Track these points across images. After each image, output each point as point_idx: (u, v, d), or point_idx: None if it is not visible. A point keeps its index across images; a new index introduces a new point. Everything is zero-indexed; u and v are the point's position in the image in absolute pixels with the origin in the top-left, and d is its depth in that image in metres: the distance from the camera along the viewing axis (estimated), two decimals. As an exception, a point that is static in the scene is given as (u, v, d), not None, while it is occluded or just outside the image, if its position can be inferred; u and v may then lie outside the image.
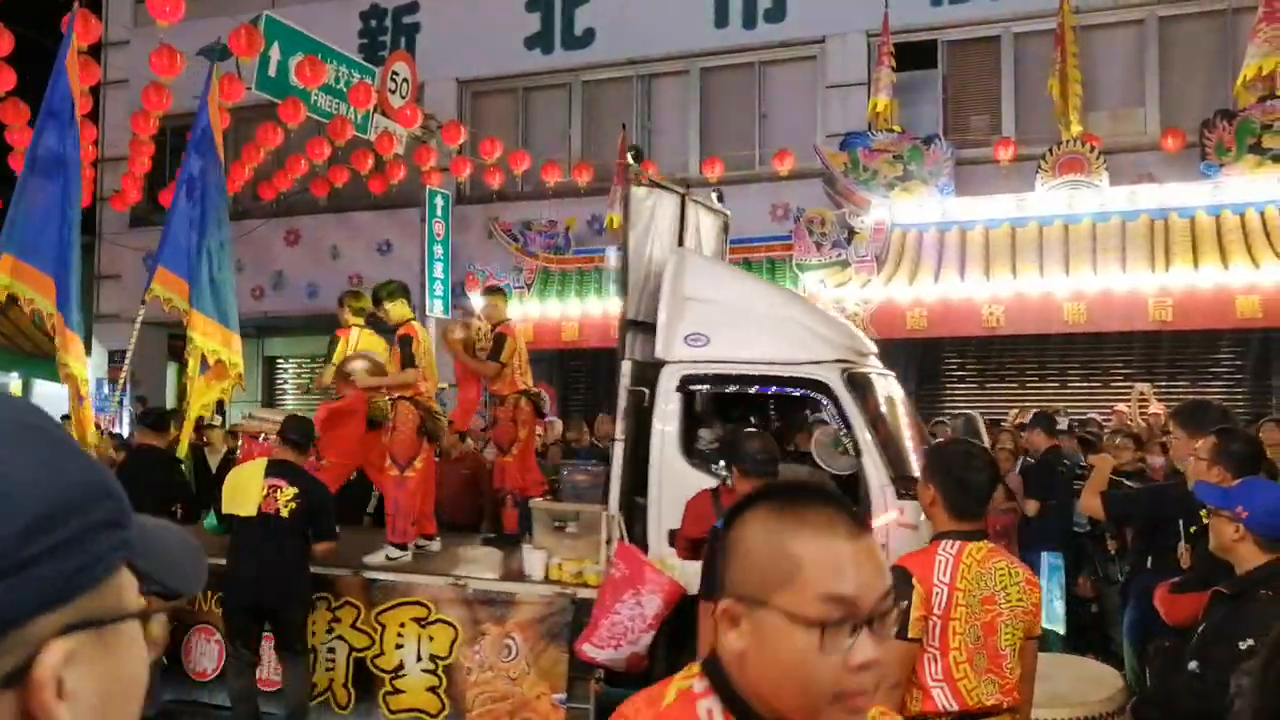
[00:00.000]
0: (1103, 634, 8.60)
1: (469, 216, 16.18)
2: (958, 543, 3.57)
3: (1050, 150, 13.10)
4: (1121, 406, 11.60)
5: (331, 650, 7.20)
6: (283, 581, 6.51)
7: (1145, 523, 6.00)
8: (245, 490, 6.67)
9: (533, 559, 7.02)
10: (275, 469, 6.70)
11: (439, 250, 15.73)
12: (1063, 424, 10.25)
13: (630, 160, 7.62)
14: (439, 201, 15.76)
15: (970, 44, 14.77)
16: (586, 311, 14.61)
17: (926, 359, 14.80)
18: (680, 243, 7.96)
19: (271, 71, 12.81)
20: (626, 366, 6.90)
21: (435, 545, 8.20)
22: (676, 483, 6.51)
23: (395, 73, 14.55)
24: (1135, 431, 9.42)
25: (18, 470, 0.76)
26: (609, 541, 6.57)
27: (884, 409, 6.70)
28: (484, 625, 6.83)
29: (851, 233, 13.58)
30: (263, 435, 8.84)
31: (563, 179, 14.97)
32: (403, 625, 7.05)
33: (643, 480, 6.71)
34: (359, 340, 8.47)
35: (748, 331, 6.86)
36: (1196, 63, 13.90)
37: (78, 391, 7.97)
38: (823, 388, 6.60)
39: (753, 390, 7.03)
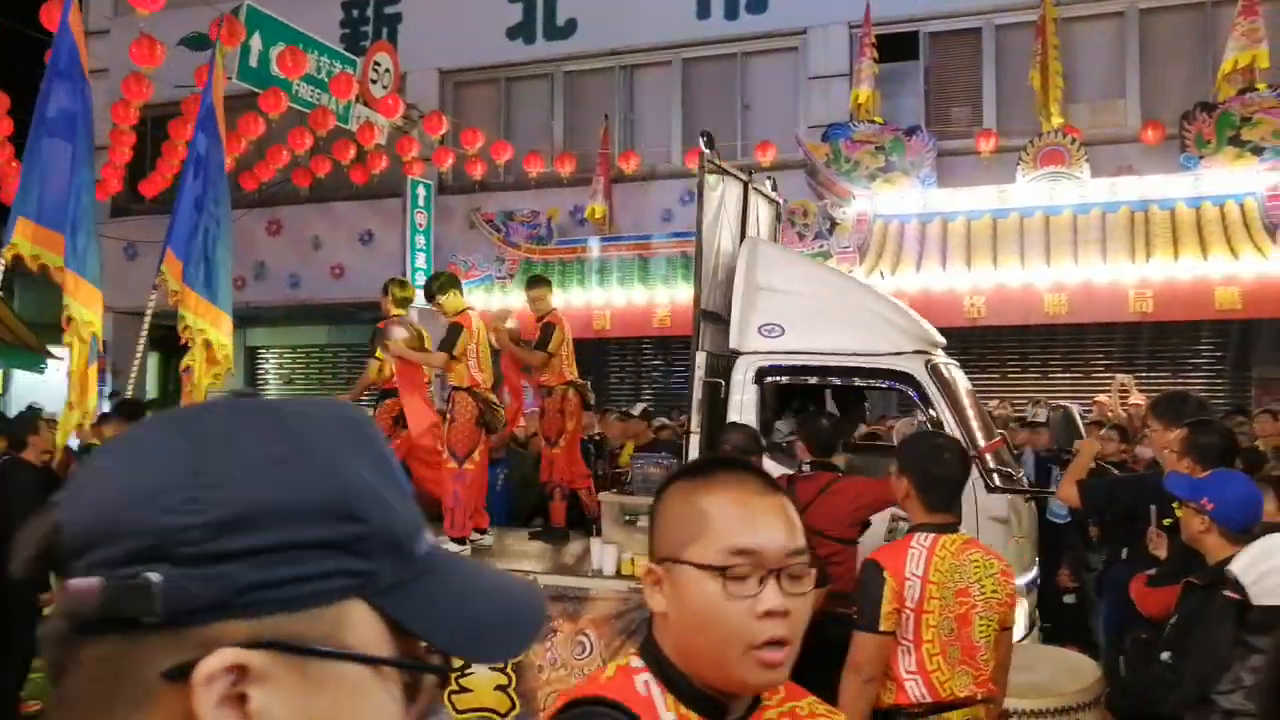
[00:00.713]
0: (1083, 625, 8.65)
1: (451, 207, 16.15)
2: (931, 535, 3.62)
3: (1031, 142, 13.15)
4: (1102, 397, 11.62)
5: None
6: None
7: (1122, 513, 6.04)
8: None
9: (605, 554, 6.76)
10: None
11: (421, 240, 15.69)
12: (1041, 416, 10.28)
13: (703, 146, 7.41)
14: (421, 192, 15.73)
15: (952, 35, 14.80)
16: (569, 302, 14.57)
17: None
18: (744, 231, 7.83)
19: (253, 61, 12.75)
20: (701, 358, 6.75)
21: (488, 539, 8.02)
22: None
23: (377, 63, 14.51)
24: (1119, 423, 9.48)
25: (226, 464, 0.74)
26: None
27: (964, 399, 6.69)
28: (556, 622, 6.56)
29: (834, 224, 13.60)
30: None
31: (545, 169, 14.95)
32: None
33: None
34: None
35: (823, 322, 6.79)
36: (1176, 55, 13.97)
37: (84, 352, 7.93)
38: (908, 379, 6.56)
39: (825, 382, 7.00)
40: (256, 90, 12.78)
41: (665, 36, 15.58)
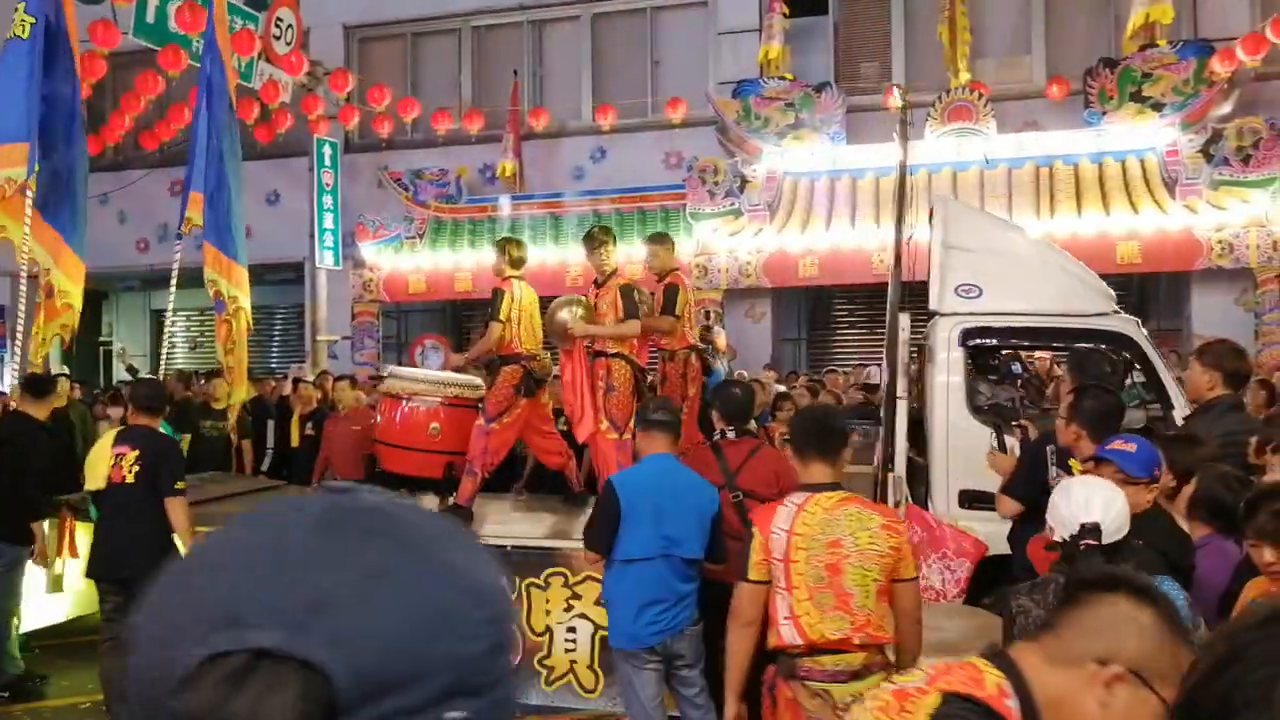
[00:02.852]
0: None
1: (358, 165, 15.83)
2: (805, 495, 3.87)
3: (939, 98, 13.19)
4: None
5: (572, 630, 6.45)
6: (142, 553, 6.11)
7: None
8: (96, 464, 6.43)
9: None
10: (124, 435, 6.39)
11: (328, 200, 15.38)
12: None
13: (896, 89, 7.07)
14: (327, 151, 15.39)
15: (862, -10, 14.78)
16: (480, 261, 14.41)
17: (818, 306, 14.96)
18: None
19: (149, 17, 12.35)
20: (905, 320, 6.47)
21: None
22: (963, 439, 6.19)
23: (279, 19, 14.09)
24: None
25: (483, 575, 0.71)
26: (898, 504, 5.98)
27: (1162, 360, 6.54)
28: None
29: (744, 181, 13.56)
30: (409, 398, 7.70)
31: (453, 127, 14.70)
32: None
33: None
34: (523, 295, 7.41)
35: (1019, 282, 6.57)
36: (1081, 11, 14.08)
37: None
38: (1123, 339, 6.36)
39: (1038, 344, 6.83)
40: (154, 48, 12.38)
41: (574, -10, 15.38)
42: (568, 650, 6.41)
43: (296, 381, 11.92)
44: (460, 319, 16.19)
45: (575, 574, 6.36)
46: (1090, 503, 3.16)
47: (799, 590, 3.75)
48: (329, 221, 15.32)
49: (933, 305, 6.56)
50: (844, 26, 14.80)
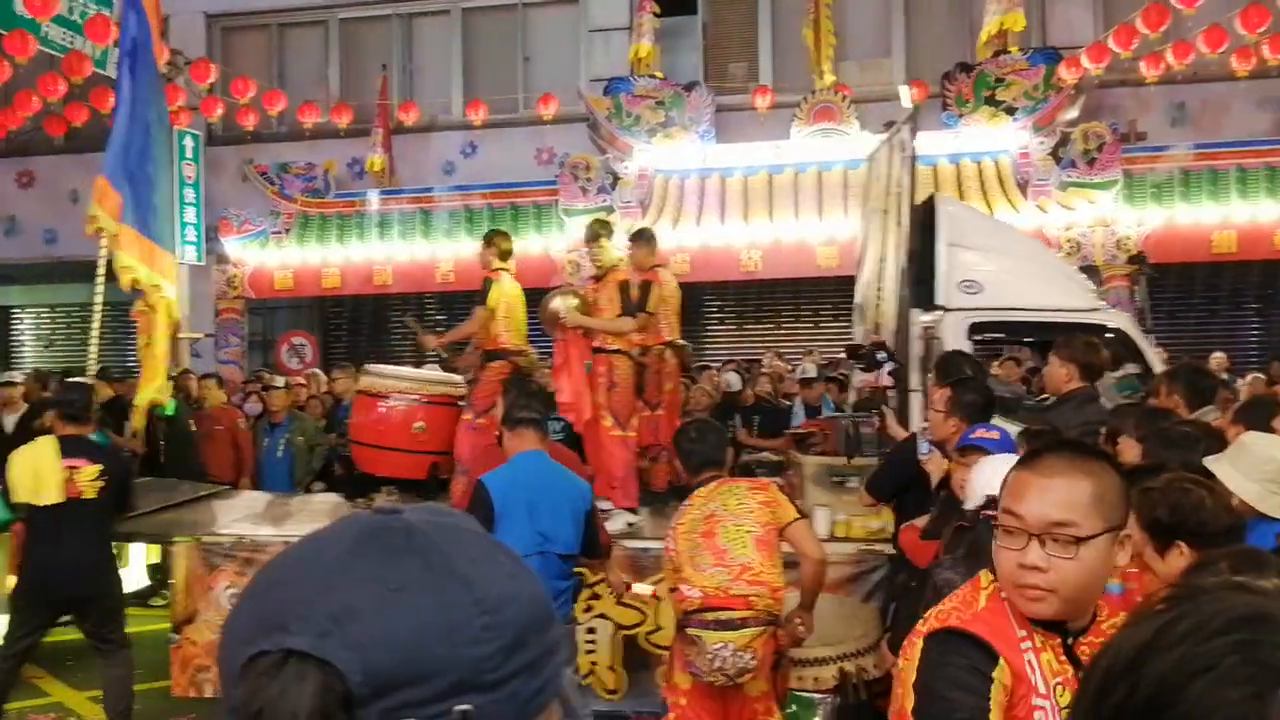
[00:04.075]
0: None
1: (222, 158, 15.45)
2: (690, 495, 4.48)
3: (805, 98, 13.52)
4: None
5: (592, 631, 6.36)
6: (95, 569, 5.94)
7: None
8: (42, 476, 5.87)
9: (817, 517, 6.32)
10: (71, 447, 5.96)
11: (190, 194, 14.93)
12: (812, 371, 10.60)
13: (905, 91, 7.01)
14: (188, 143, 14.95)
15: (730, -10, 15.05)
16: (349, 257, 14.25)
17: (689, 302, 15.08)
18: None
19: (-7, -1, 11.83)
20: (921, 315, 6.61)
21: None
22: None
23: (136, 4, 13.66)
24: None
25: (493, 588, 0.79)
26: None
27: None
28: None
29: (616, 178, 13.69)
30: (387, 397, 7.43)
31: (321, 120, 14.43)
32: None
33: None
34: (511, 288, 7.23)
35: (1016, 279, 6.82)
36: (937, 17, 14.60)
37: None
38: (1119, 333, 6.71)
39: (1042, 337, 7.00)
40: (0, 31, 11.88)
41: (444, -16, 15.29)
42: (588, 651, 6.35)
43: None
44: (328, 316, 15.95)
45: (594, 573, 6.14)
46: (995, 478, 3.36)
47: (684, 563, 4.31)
48: (190, 216, 14.87)
49: (940, 300, 6.76)
50: (712, 27, 15.05)
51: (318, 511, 7.65)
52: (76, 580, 5.85)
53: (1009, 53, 13.20)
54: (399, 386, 7.45)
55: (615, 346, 6.96)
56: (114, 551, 6.20)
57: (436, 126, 15.17)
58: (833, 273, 12.88)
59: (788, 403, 10.40)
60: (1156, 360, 6.72)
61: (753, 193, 13.30)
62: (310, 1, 15.70)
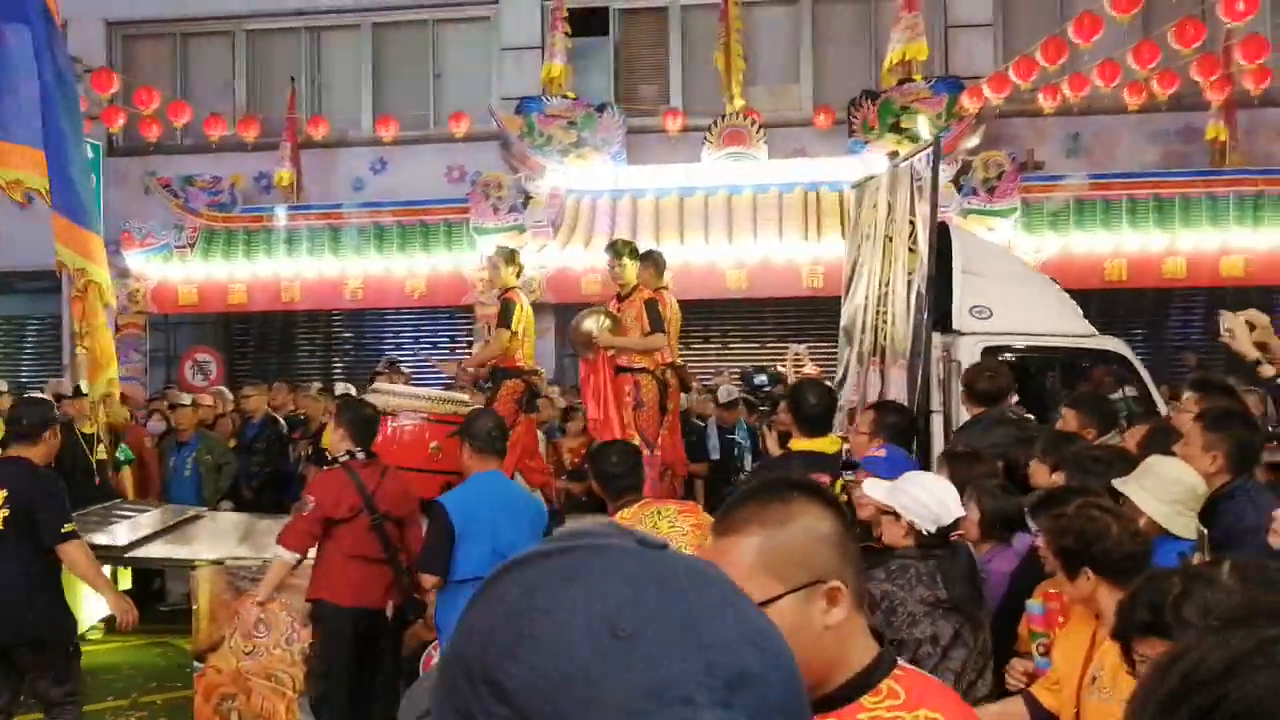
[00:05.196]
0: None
1: (123, 170, 15.11)
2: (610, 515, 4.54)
3: (715, 122, 13.71)
4: (779, 367, 12.40)
5: None
6: (12, 609, 5.20)
7: None
8: None
9: None
10: None
11: (89, 206, 14.61)
12: (734, 393, 10.67)
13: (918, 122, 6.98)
14: (88, 152, 14.60)
15: (641, 13, 15.18)
16: (255, 273, 14.05)
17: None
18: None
19: None
20: (939, 338, 6.73)
21: None
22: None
23: (33, 10, 13.31)
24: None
25: (715, 632, 0.72)
26: None
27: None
28: None
29: (527, 197, 13.71)
30: (397, 416, 7.12)
31: (227, 133, 14.25)
32: None
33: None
34: (527, 307, 7.42)
35: (1021, 305, 7.02)
36: (845, 44, 14.91)
37: None
38: (1120, 357, 7.05)
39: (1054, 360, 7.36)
40: None
41: (354, -1, 15.17)
42: None
43: (59, 397, 11.31)
44: (233, 332, 15.68)
45: None
46: (946, 497, 3.51)
47: None
48: (90, 228, 14.54)
49: (956, 325, 6.96)
50: (624, 48, 15.17)
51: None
52: None
53: (913, 81, 13.54)
54: (410, 405, 7.29)
55: (641, 365, 7.08)
56: (51, 590, 5.42)
57: (346, 142, 15.04)
58: (743, 295, 13.08)
59: (701, 423, 10.49)
60: (1152, 384, 7.00)
61: (664, 214, 13.43)
62: (216, 11, 15.45)
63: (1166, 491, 3.59)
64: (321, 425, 10.10)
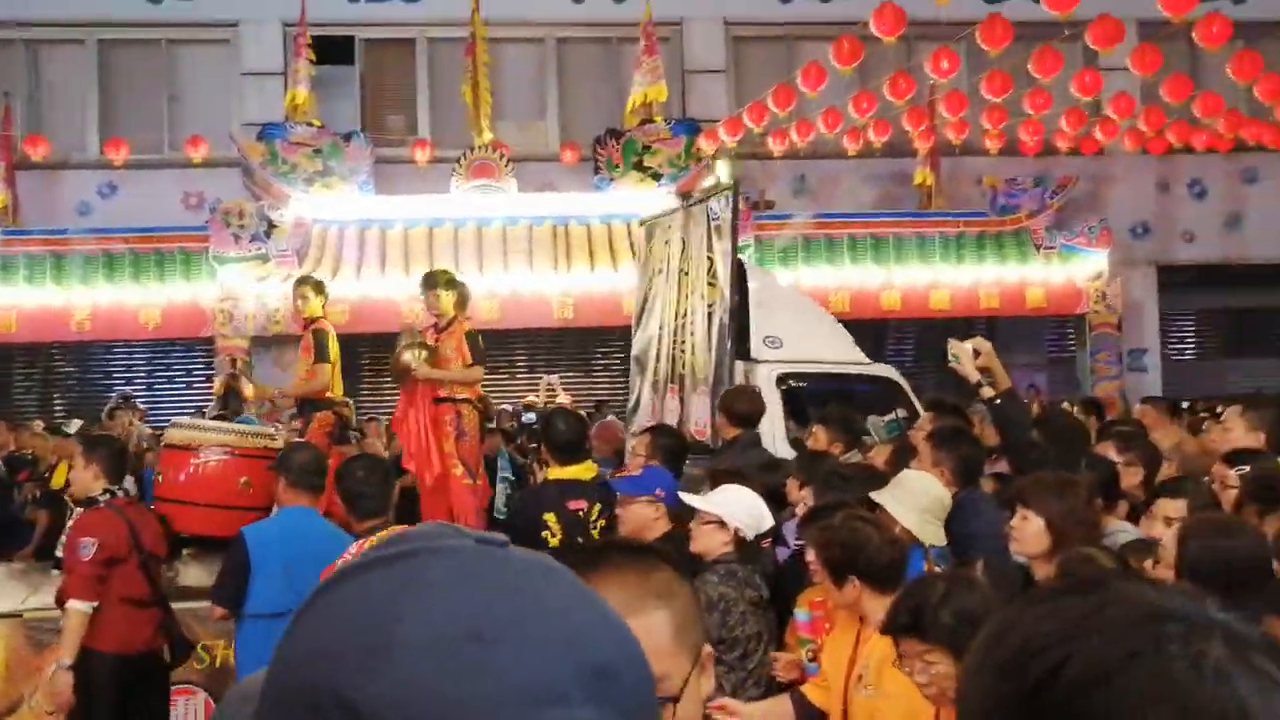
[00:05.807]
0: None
1: None
2: (362, 540, 4.28)
3: (464, 154, 13.84)
4: (531, 397, 12.65)
5: None
6: None
7: None
8: None
9: None
10: None
11: None
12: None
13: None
14: None
15: (387, 44, 15.17)
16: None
17: (346, 354, 14.98)
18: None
19: None
20: (742, 367, 7.21)
21: None
22: None
23: None
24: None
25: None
26: None
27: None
28: None
29: (271, 226, 13.37)
30: (201, 450, 6.64)
31: (-68, 151, 13.20)
32: None
33: None
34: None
35: (804, 336, 7.64)
36: (591, 83, 15.39)
37: None
38: (890, 382, 7.68)
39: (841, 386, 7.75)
40: None
41: (76, 12, 14.33)
42: None
43: None
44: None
45: None
46: (760, 508, 3.85)
47: None
48: None
49: (754, 354, 7.44)
50: (370, 78, 15.08)
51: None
52: None
53: (654, 122, 14.14)
54: (216, 440, 6.92)
55: (463, 395, 7.06)
56: None
57: (70, 164, 14.20)
58: (494, 326, 13.22)
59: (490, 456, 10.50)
60: (920, 407, 7.58)
61: (413, 245, 13.43)
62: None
63: (917, 502, 4.00)
64: (52, 465, 9.57)
